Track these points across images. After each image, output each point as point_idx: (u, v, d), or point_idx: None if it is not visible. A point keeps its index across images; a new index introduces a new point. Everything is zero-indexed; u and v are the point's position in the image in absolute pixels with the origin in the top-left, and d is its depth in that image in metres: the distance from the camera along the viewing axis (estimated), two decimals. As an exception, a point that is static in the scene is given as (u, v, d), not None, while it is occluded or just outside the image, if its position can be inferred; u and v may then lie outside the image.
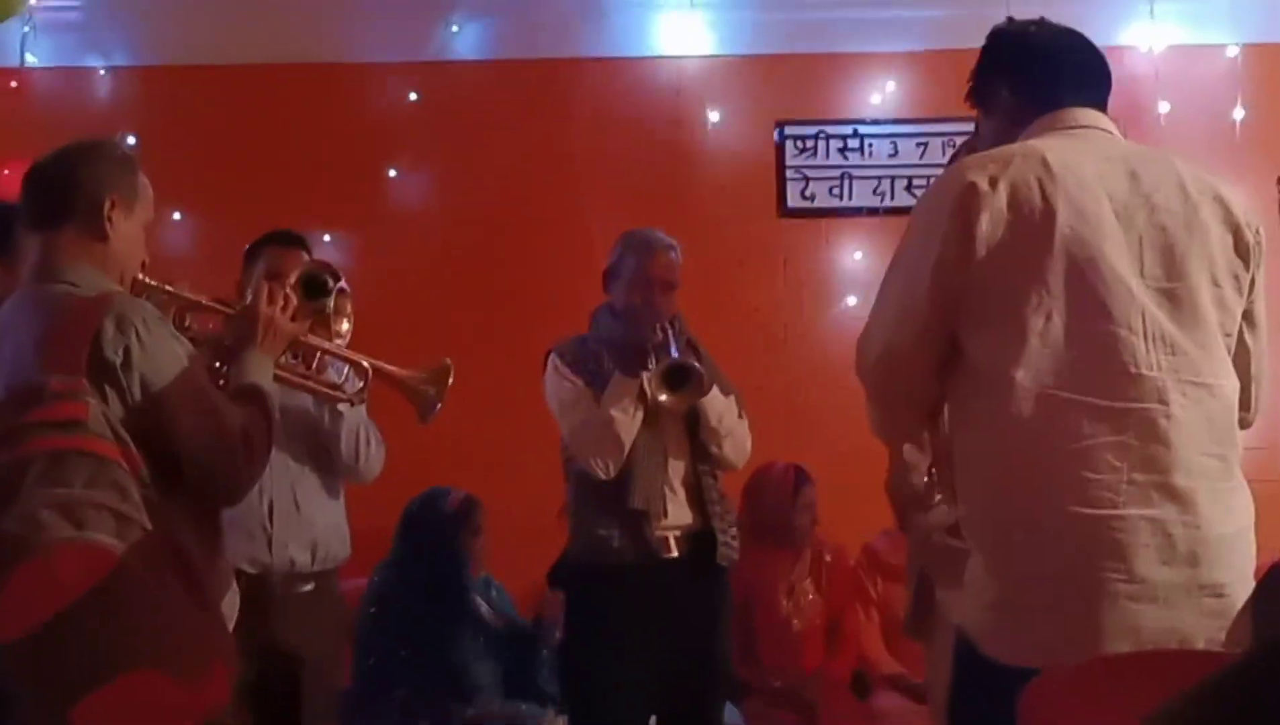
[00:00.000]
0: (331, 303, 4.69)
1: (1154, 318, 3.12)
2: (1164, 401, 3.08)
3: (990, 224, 3.15)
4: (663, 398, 5.23)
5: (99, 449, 3.32)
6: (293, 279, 4.69)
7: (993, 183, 3.18)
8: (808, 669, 6.68)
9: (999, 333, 3.17)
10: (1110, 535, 3.02)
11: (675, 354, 5.29)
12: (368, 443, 5.32)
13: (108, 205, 3.70)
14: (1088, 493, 3.06)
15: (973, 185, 3.18)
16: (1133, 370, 3.09)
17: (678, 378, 5.23)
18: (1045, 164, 3.18)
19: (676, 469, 5.39)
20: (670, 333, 5.36)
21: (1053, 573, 3.10)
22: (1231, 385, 3.22)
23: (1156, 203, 3.19)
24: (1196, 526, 3.04)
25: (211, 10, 7.71)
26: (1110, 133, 3.40)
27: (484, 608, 6.59)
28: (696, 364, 5.30)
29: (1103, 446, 3.07)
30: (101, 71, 7.86)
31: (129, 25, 7.89)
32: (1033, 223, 3.14)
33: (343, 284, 4.76)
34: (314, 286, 4.74)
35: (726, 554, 5.38)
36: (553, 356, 5.50)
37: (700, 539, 5.34)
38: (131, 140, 7.22)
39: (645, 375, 5.30)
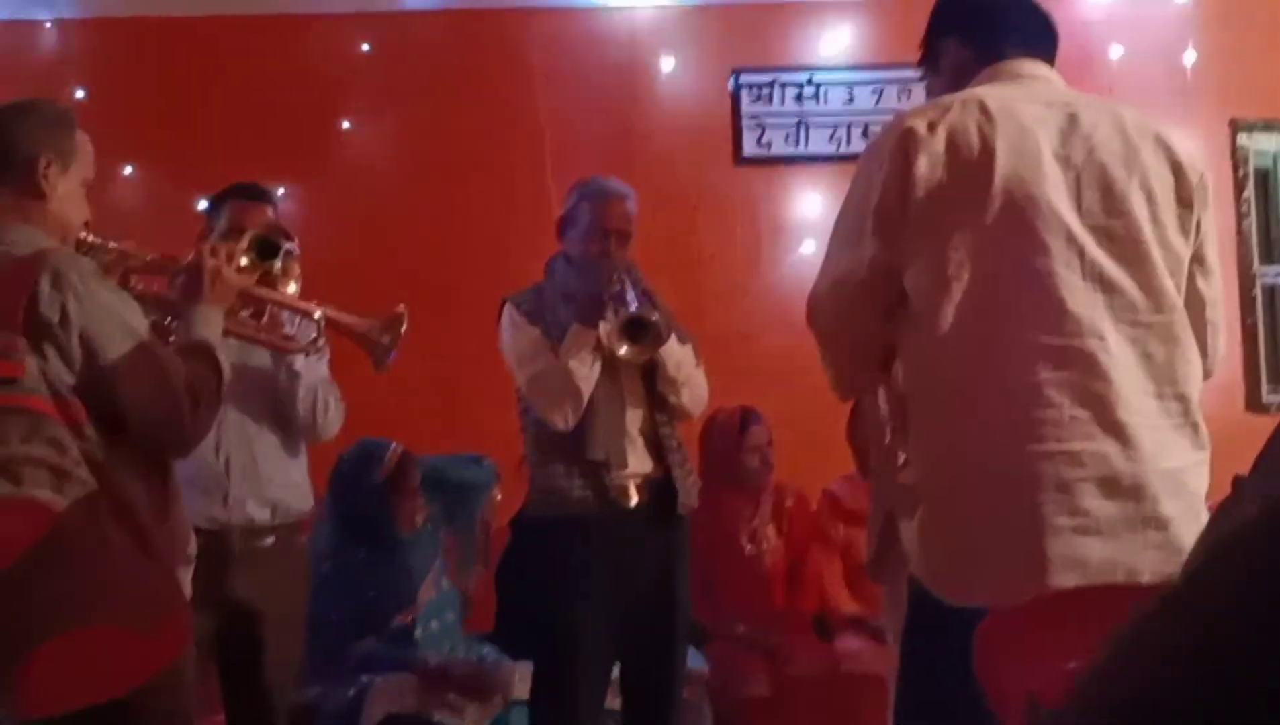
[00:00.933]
0: (279, 264, 4.72)
1: (1092, 256, 3.19)
2: (1101, 337, 3.15)
3: (928, 166, 3.21)
4: (622, 351, 5.22)
5: (35, 406, 3.36)
6: (244, 242, 4.71)
7: (931, 127, 3.25)
8: (770, 611, 6.74)
9: (936, 271, 3.22)
10: (1052, 470, 3.10)
11: (633, 305, 5.29)
12: (326, 403, 5.34)
13: (43, 163, 3.69)
14: (1029, 429, 3.12)
15: (910, 130, 3.25)
16: (1069, 307, 3.14)
17: (636, 329, 5.22)
18: (984, 109, 3.26)
19: (634, 418, 5.38)
20: (627, 282, 5.36)
21: (997, 509, 3.17)
22: (1175, 322, 3.25)
23: (1095, 143, 3.27)
24: (1138, 461, 3.11)
25: None
26: (1051, 81, 3.48)
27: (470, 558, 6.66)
28: (655, 316, 5.30)
29: (1042, 382, 3.13)
30: (48, 24, 7.83)
31: None
32: (971, 163, 3.21)
33: (291, 246, 4.80)
34: (266, 248, 4.79)
35: (686, 502, 5.41)
36: (508, 306, 5.48)
37: (660, 487, 5.35)
38: (80, 94, 7.23)
39: (603, 325, 5.27)
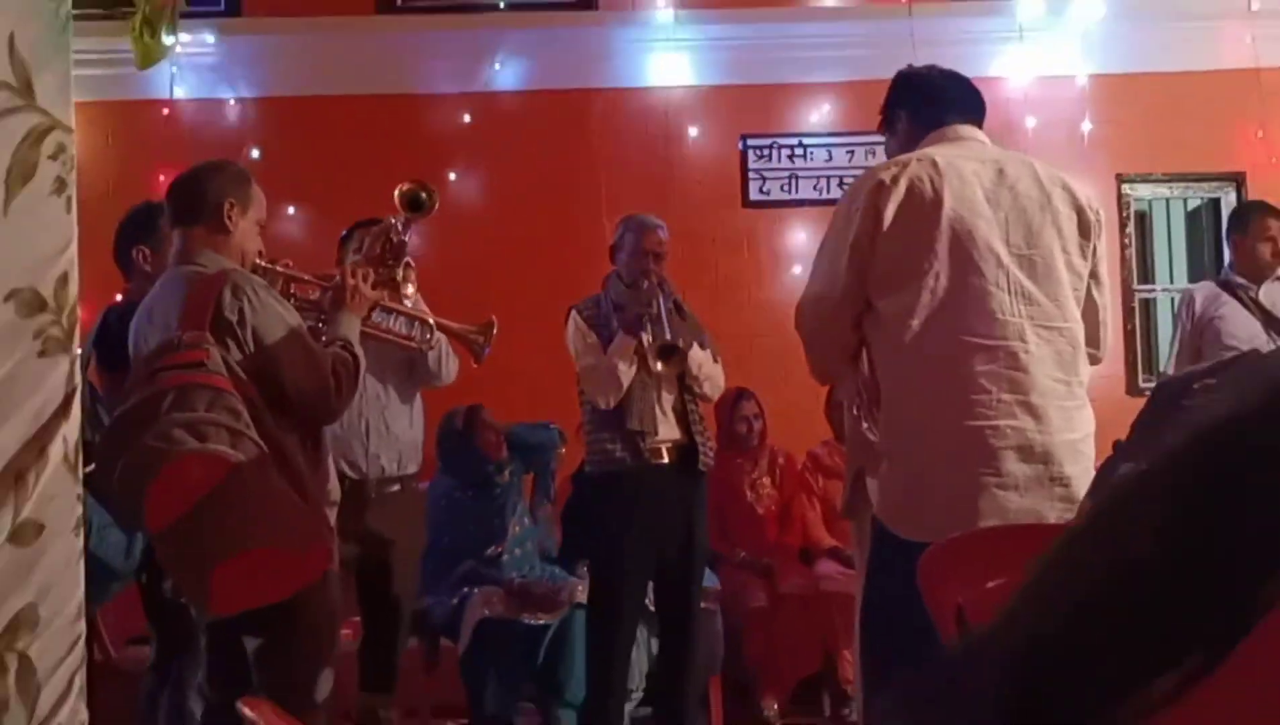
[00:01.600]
0: (400, 272, 4.74)
1: (1016, 277, 3.26)
2: (1023, 339, 3.22)
3: (893, 209, 3.26)
4: (658, 367, 5.31)
5: (217, 383, 3.41)
6: (396, 194, 4.71)
7: (894, 180, 3.30)
8: (766, 543, 6.82)
9: (900, 290, 3.28)
10: (985, 440, 3.18)
11: (666, 329, 5.31)
12: (447, 356, 5.33)
13: (227, 207, 3.76)
14: (967, 408, 3.21)
15: (880, 181, 3.31)
16: (999, 316, 3.24)
17: (667, 352, 5.27)
18: (934, 164, 3.31)
19: (667, 399, 5.43)
20: (661, 302, 5.39)
21: (941, 468, 3.25)
22: (1078, 329, 3.34)
23: (1018, 191, 3.32)
24: (1048, 433, 3.20)
25: (315, 53, 7.78)
26: (984, 142, 3.53)
27: (547, 504, 6.67)
28: (680, 341, 5.34)
29: (979, 373, 3.20)
30: (231, 101, 7.86)
31: (251, 65, 7.88)
32: (924, 207, 3.26)
33: (408, 259, 4.83)
34: (415, 202, 4.77)
35: (705, 461, 5.46)
36: (574, 312, 5.53)
37: (686, 450, 5.42)
38: (255, 154, 7.26)
39: (643, 335, 5.36)
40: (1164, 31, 7.97)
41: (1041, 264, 3.29)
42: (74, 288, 2.02)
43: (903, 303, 3.27)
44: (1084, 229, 3.39)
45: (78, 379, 1.96)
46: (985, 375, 3.21)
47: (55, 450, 1.93)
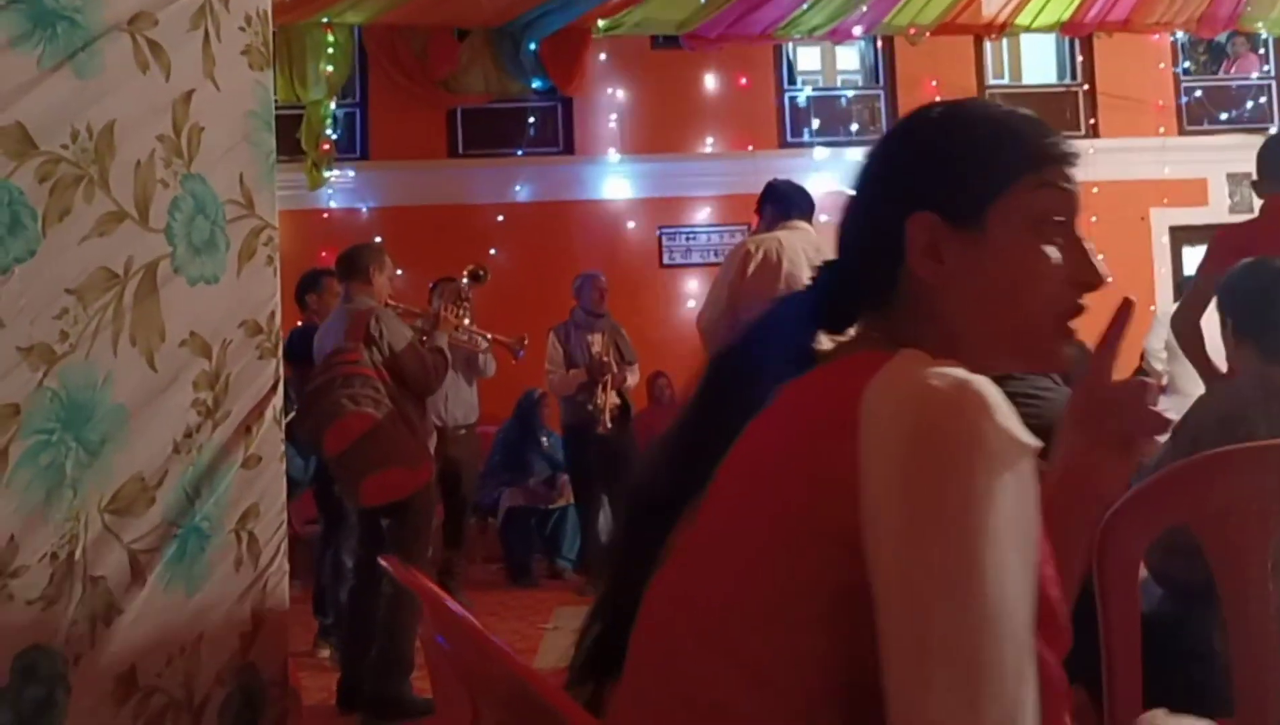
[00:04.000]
0: (466, 311, 4.76)
1: None
2: None
3: (753, 267, 3.18)
4: (615, 401, 5.24)
5: (366, 372, 3.35)
6: (466, 270, 4.78)
7: (755, 248, 3.24)
8: None
9: (753, 312, 3.11)
10: None
11: (613, 379, 5.23)
12: (489, 361, 5.22)
13: (372, 269, 3.58)
14: None
15: (748, 250, 3.26)
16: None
17: (618, 391, 5.27)
18: (780, 241, 3.24)
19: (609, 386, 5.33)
20: (609, 365, 5.25)
21: None
22: None
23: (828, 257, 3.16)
24: None
25: (412, 180, 7.63)
26: (810, 230, 3.37)
27: (544, 442, 6.36)
28: (624, 375, 5.30)
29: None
30: (364, 209, 7.75)
31: (375, 187, 7.77)
32: (772, 267, 3.17)
33: (468, 303, 4.84)
34: (475, 275, 4.80)
35: (632, 416, 5.43)
36: (552, 333, 5.40)
37: (623, 411, 5.36)
38: (378, 239, 7.18)
39: (598, 389, 5.24)
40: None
41: None
42: (278, 319, 2.12)
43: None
44: None
45: (280, 373, 2.10)
46: None
47: (268, 414, 2.02)
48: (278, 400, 2.14)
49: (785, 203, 3.43)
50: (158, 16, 1.81)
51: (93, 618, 1.67)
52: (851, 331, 0.89)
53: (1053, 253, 0.82)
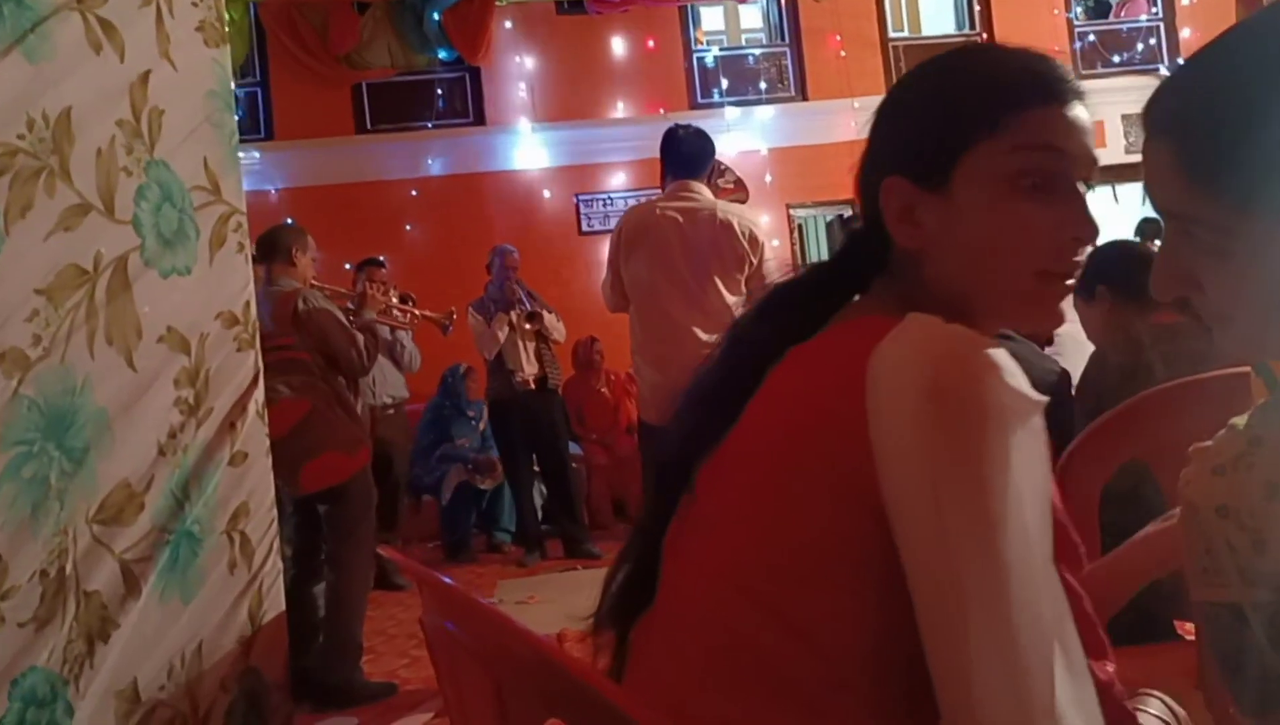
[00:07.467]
0: (395, 294, 4.82)
1: (681, 271, 3.06)
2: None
3: (628, 233, 3.16)
4: (526, 326, 5.25)
5: (299, 356, 3.30)
6: (394, 296, 4.83)
7: (631, 215, 3.23)
8: (606, 426, 6.49)
9: (633, 277, 3.14)
10: (666, 353, 3.04)
11: (528, 305, 5.26)
12: (414, 355, 5.29)
13: (294, 250, 3.50)
14: (657, 334, 3.08)
15: (623, 222, 3.26)
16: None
17: (532, 317, 5.24)
18: (633, 213, 3.24)
19: (529, 348, 5.31)
20: (521, 292, 5.30)
21: (650, 371, 3.12)
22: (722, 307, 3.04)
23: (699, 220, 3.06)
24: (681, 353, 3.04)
25: (320, 159, 7.53)
26: (697, 192, 3.15)
27: (471, 415, 6.19)
28: (540, 310, 5.30)
29: (665, 313, 3.06)
30: (272, 192, 7.56)
31: (282, 168, 7.61)
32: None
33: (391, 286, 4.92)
34: (405, 298, 4.87)
35: (555, 384, 5.42)
36: (471, 306, 5.37)
37: (543, 380, 5.34)
38: (289, 220, 7.10)
39: (511, 313, 5.25)
40: (802, 119, 7.92)
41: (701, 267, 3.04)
42: (253, 309, 2.01)
43: (634, 288, 3.14)
44: (751, 244, 3.07)
45: (260, 365, 2.00)
46: (667, 313, 3.05)
47: (251, 408, 1.94)
48: (259, 393, 2.07)
49: (673, 161, 3.26)
50: (107, -8, 1.71)
51: (89, 635, 1.60)
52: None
53: (1030, 208, 0.78)
